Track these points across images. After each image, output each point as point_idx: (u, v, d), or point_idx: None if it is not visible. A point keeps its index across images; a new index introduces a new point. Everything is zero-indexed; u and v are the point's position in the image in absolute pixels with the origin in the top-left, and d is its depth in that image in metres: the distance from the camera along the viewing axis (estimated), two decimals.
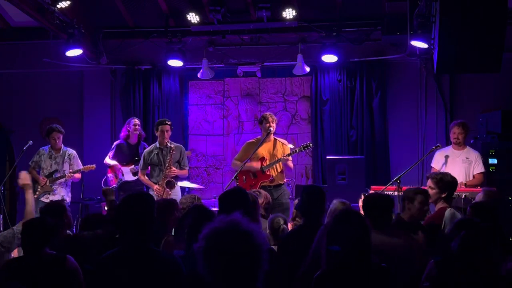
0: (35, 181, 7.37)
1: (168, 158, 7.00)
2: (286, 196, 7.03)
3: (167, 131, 7.09)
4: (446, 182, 5.07)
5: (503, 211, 6.23)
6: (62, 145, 7.56)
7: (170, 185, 6.95)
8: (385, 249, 3.63)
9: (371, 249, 3.06)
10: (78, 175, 7.54)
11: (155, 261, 3.09)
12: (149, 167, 7.28)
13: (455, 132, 6.82)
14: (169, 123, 7.19)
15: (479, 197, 5.13)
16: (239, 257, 2.03)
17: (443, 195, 5.05)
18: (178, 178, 7.19)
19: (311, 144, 7.08)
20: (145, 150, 7.34)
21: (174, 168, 7.02)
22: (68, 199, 7.50)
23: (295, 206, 5.02)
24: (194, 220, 3.50)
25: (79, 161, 7.66)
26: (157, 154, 7.11)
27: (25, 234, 3.64)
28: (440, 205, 5.06)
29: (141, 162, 7.27)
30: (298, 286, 3.42)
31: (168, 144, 7.06)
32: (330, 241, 3.00)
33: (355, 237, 2.97)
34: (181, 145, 7.34)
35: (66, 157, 7.51)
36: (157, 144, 7.19)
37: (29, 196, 4.83)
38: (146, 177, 7.25)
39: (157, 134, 7.17)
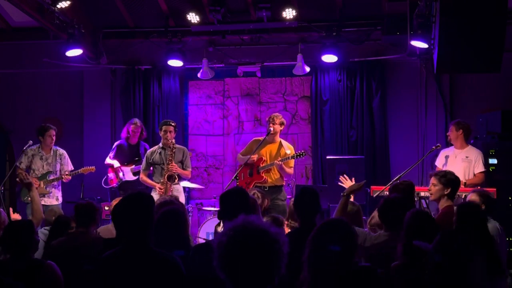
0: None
1: (170, 153, 6.98)
2: (283, 198, 7.01)
3: (170, 131, 7.06)
4: (449, 179, 5.04)
5: (504, 211, 6.24)
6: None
7: (172, 179, 6.93)
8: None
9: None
10: (69, 176, 7.40)
11: (154, 261, 3.09)
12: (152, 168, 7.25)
13: (448, 131, 6.91)
14: (173, 124, 7.15)
15: (469, 197, 5.03)
16: (254, 253, 2.06)
17: (446, 191, 4.99)
18: (181, 177, 7.17)
19: (304, 153, 7.04)
20: (147, 151, 7.30)
21: (175, 165, 6.99)
22: (61, 198, 7.48)
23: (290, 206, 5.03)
24: None
25: (69, 160, 7.55)
26: (160, 153, 7.09)
27: (9, 237, 3.59)
28: (444, 203, 5.00)
29: (144, 162, 7.22)
30: None
31: (171, 144, 7.04)
32: (315, 249, 3.00)
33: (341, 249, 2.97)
34: (184, 147, 7.34)
35: (57, 157, 7.40)
36: (160, 144, 7.19)
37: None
38: (148, 178, 7.18)
39: (161, 134, 7.17)
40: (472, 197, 4.89)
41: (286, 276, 2.16)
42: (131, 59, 8.97)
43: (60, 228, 4.70)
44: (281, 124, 7.10)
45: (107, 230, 5.04)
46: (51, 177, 7.31)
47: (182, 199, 6.86)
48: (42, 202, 7.07)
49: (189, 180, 8.36)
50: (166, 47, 8.48)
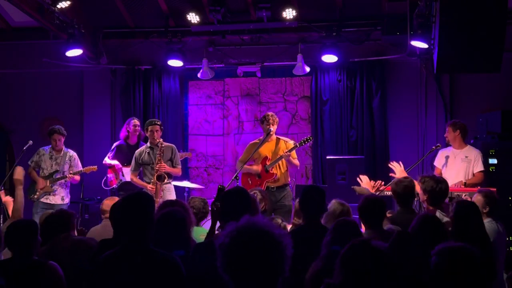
0: (34, 182, 7.38)
1: (158, 153, 6.92)
2: (289, 198, 6.99)
3: (156, 131, 6.99)
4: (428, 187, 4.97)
5: (503, 211, 6.24)
6: (63, 147, 7.50)
7: (161, 179, 6.89)
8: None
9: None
10: (77, 177, 7.46)
11: (154, 261, 3.09)
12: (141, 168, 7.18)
13: (445, 133, 6.88)
14: (158, 123, 7.08)
15: (474, 197, 5.07)
16: (258, 254, 2.05)
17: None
18: (172, 176, 7.10)
19: (311, 138, 7.05)
20: (136, 152, 7.19)
21: (164, 164, 6.92)
22: (67, 199, 7.51)
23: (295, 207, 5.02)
24: None
25: (80, 163, 7.60)
26: (148, 153, 7.00)
27: (10, 236, 3.57)
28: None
29: (133, 163, 7.11)
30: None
31: (159, 143, 6.98)
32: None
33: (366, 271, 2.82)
34: (173, 145, 7.21)
35: (67, 158, 7.46)
36: (147, 144, 7.14)
37: (19, 192, 4.81)
38: (138, 178, 7.10)
39: (147, 134, 7.11)
40: (478, 197, 4.91)
41: (290, 275, 2.15)
42: (131, 59, 8.97)
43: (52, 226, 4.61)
44: (277, 122, 7.13)
45: (95, 231, 4.98)
46: (57, 176, 7.37)
47: (173, 198, 6.74)
48: (47, 201, 7.28)
49: (189, 180, 8.35)
50: (166, 47, 8.48)
